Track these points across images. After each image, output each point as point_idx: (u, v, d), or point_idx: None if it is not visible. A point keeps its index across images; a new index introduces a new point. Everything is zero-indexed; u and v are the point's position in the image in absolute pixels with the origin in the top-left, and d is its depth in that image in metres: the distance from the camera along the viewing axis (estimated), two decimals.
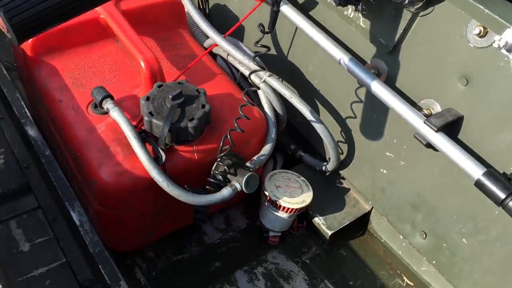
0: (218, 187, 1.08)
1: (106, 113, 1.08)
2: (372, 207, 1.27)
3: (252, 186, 1.08)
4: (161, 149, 1.03)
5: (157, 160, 1.02)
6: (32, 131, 1.44)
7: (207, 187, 1.07)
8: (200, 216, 1.12)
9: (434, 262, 1.13)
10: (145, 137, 1.04)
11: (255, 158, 1.13)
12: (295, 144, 1.37)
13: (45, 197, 1.32)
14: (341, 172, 1.31)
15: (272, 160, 1.38)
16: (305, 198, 1.18)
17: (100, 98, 1.08)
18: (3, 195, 1.33)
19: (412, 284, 1.22)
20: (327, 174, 1.32)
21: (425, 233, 1.13)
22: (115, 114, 1.05)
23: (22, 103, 1.51)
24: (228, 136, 1.04)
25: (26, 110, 1.49)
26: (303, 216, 1.27)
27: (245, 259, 1.24)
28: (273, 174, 1.22)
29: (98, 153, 1.04)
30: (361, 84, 1.11)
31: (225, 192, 1.05)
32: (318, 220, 1.25)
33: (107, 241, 1.16)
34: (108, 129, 1.08)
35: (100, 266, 1.14)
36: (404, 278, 1.23)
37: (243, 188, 1.06)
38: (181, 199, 1.02)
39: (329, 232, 1.23)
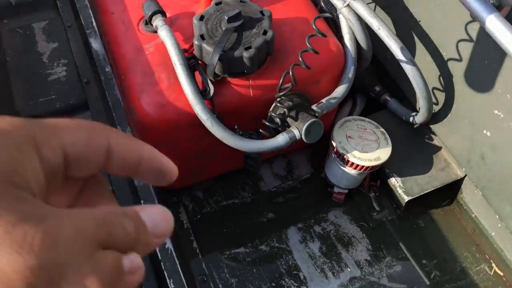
0: (275, 132, 0.90)
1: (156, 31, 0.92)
2: (465, 175, 1.03)
3: (315, 135, 0.89)
4: (211, 80, 0.86)
5: (204, 94, 0.86)
6: (95, 44, 1.34)
7: (261, 130, 0.90)
8: (252, 162, 0.96)
9: None
10: (194, 64, 0.88)
11: (323, 101, 0.93)
12: (381, 86, 1.14)
13: (101, 115, 1.24)
14: (432, 126, 1.07)
15: (350, 102, 1.17)
16: (380, 154, 0.97)
17: (149, 14, 0.93)
18: (61, 110, 1.27)
19: (501, 273, 1.00)
20: (415, 126, 1.09)
21: None
22: (163, 33, 0.89)
23: (90, 11, 1.41)
24: (290, 72, 0.84)
25: (93, 20, 1.38)
26: (378, 174, 1.07)
27: (302, 214, 1.08)
28: (345, 121, 1.02)
29: (141, 78, 0.90)
30: (474, 17, 0.84)
31: (281, 139, 0.88)
32: (394, 182, 1.04)
33: None
34: (156, 51, 0.92)
35: (141, 202, 1.04)
36: (493, 265, 1.01)
37: (303, 136, 0.88)
38: (226, 142, 0.86)
39: (406, 198, 1.02)
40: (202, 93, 0.86)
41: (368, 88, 1.14)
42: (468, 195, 1.04)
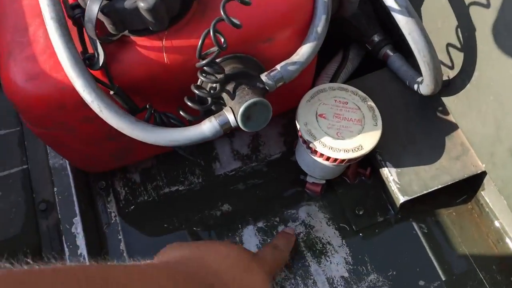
0: (204, 114, 0.63)
1: None
2: (485, 172, 0.73)
3: (258, 121, 0.61)
4: (103, 41, 0.58)
5: (90, 61, 0.59)
6: None
7: (181, 113, 0.62)
8: (179, 149, 0.69)
9: None
10: (78, 16, 0.59)
11: (278, 67, 0.63)
12: (382, 35, 0.82)
13: None
14: (444, 99, 0.76)
15: (339, 57, 0.86)
16: (363, 141, 0.68)
17: None
18: None
19: None
20: (421, 93, 0.77)
21: None
22: None
23: None
24: (211, 32, 0.55)
25: None
26: (368, 159, 0.79)
27: (265, 208, 0.82)
28: (318, 91, 0.72)
29: (11, 35, 0.63)
30: None
31: (206, 128, 0.60)
32: (387, 174, 0.75)
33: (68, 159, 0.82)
34: None
35: (55, 189, 0.81)
36: None
37: (239, 123, 0.60)
38: (125, 132, 0.59)
39: (402, 199, 0.74)
40: (87, 60, 0.58)
41: (364, 37, 0.83)
42: (492, 193, 0.75)
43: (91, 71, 0.58)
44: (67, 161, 0.83)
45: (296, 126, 0.71)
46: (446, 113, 0.78)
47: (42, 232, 0.82)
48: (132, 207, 0.83)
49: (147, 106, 0.63)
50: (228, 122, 0.60)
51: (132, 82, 0.61)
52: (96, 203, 0.84)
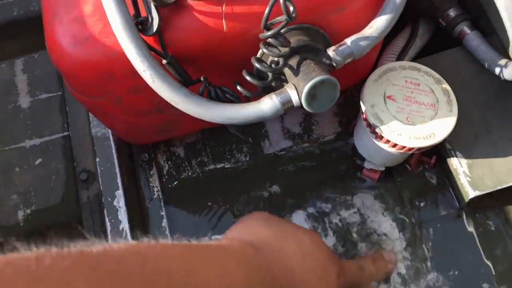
0: (263, 91, 0.57)
1: None
2: None
3: (323, 102, 0.55)
4: (157, 4, 0.53)
5: (144, 26, 0.53)
6: None
7: (239, 88, 0.56)
8: (232, 129, 0.64)
9: None
10: None
11: (348, 41, 0.57)
12: (459, 9, 0.74)
13: None
14: None
15: (407, 32, 0.78)
16: (436, 128, 0.61)
17: None
18: None
19: None
20: (502, 79, 0.69)
21: None
22: None
23: None
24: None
25: None
26: (434, 147, 0.71)
27: (317, 193, 0.76)
28: (388, 70, 0.65)
29: None
30: None
31: (265, 105, 0.54)
32: (457, 165, 0.68)
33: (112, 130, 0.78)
34: None
35: (97, 160, 0.77)
36: None
37: (303, 102, 0.54)
38: (178, 107, 0.54)
39: (472, 194, 0.67)
40: (140, 24, 0.53)
41: (437, 11, 0.74)
42: None
43: (143, 36, 0.53)
44: (109, 131, 0.79)
45: (357, 107, 0.65)
46: None
47: (82, 203, 0.79)
48: (175, 183, 0.79)
49: (202, 78, 0.57)
50: (291, 100, 0.54)
51: (187, 51, 0.56)
52: (138, 176, 0.80)
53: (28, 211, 0.78)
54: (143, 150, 0.81)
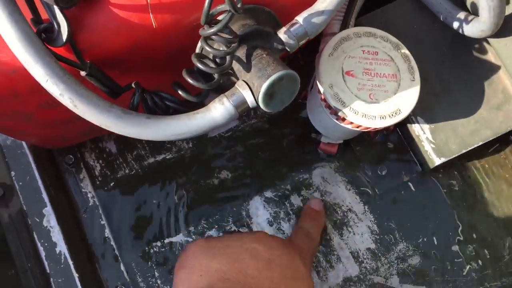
0: (208, 93, 0.48)
1: None
2: None
3: (283, 98, 0.47)
4: (60, 5, 0.40)
5: (49, 37, 0.41)
6: None
7: (180, 92, 0.47)
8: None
9: None
10: None
11: (299, 19, 0.47)
12: None
13: None
14: (491, 41, 0.63)
15: None
16: (401, 102, 0.55)
17: None
18: None
19: None
20: (464, 33, 0.63)
21: None
22: None
23: None
24: None
25: None
26: None
27: (272, 174, 0.70)
28: (341, 40, 0.57)
29: None
30: None
31: (216, 113, 0.45)
32: (419, 131, 0.64)
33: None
34: None
35: (12, 173, 0.65)
36: None
37: (260, 103, 0.45)
38: (112, 130, 0.44)
39: (438, 161, 0.63)
40: (44, 33, 0.41)
41: None
42: None
43: (50, 47, 0.41)
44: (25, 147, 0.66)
45: (305, 74, 0.58)
46: (483, 51, 0.65)
47: (4, 224, 0.67)
48: (111, 184, 0.69)
49: (133, 85, 0.47)
50: (245, 102, 0.46)
51: (109, 56, 0.45)
52: (66, 184, 0.69)
53: None
54: (66, 152, 0.69)
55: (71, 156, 0.69)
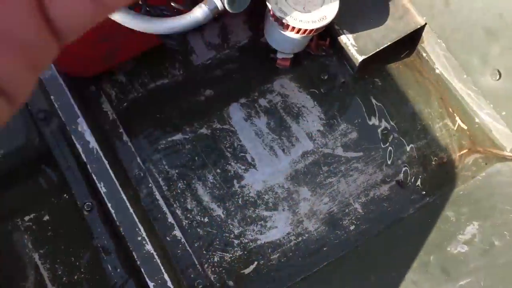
0: (191, 3, 0.72)
1: None
2: (426, 24, 0.88)
3: (241, 2, 0.71)
4: None
5: None
6: None
7: (172, 3, 0.71)
8: (171, 41, 0.79)
9: (504, 113, 0.80)
10: None
11: None
12: None
13: None
14: None
15: None
16: (326, 12, 0.80)
17: None
18: None
19: (465, 127, 0.91)
20: None
21: (499, 73, 0.77)
22: None
23: None
24: None
25: None
26: (326, 31, 0.91)
27: (243, 87, 0.94)
28: None
29: None
30: None
31: (197, 14, 0.69)
32: (346, 39, 0.89)
33: (59, 66, 0.88)
34: None
35: (52, 98, 0.88)
36: (457, 119, 0.92)
37: (226, 5, 0.70)
38: (126, 25, 0.68)
39: (360, 58, 0.88)
40: None
41: None
42: (430, 45, 0.91)
43: None
44: (56, 71, 0.89)
45: (260, 13, 0.82)
46: None
47: (47, 137, 0.90)
48: (125, 104, 0.92)
49: (140, 2, 0.71)
50: (216, 6, 0.70)
51: None
52: (91, 105, 0.92)
53: None
54: (88, 84, 0.93)
55: (93, 86, 0.93)
